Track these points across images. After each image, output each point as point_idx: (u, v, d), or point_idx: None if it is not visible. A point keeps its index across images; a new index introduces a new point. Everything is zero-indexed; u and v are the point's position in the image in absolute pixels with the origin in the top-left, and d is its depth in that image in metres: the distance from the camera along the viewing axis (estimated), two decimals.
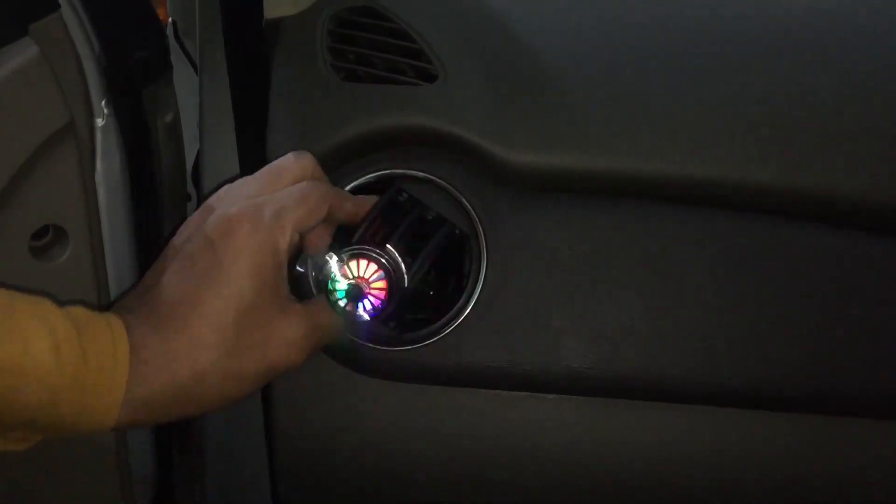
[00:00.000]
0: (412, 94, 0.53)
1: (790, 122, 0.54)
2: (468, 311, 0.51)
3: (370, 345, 0.51)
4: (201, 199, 0.69)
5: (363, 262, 0.48)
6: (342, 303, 0.48)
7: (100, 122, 0.58)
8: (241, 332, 0.39)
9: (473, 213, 0.51)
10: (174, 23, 0.81)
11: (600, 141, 0.52)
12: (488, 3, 0.61)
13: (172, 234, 0.44)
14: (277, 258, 0.40)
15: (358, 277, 0.48)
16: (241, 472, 0.59)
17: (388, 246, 0.48)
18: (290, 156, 0.45)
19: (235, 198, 0.42)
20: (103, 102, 0.57)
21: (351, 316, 0.48)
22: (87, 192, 0.55)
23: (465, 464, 0.52)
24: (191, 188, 0.80)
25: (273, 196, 0.42)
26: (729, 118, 0.54)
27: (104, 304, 0.61)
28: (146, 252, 0.63)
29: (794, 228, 0.53)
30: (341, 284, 0.48)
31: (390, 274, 0.48)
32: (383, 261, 0.48)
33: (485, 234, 0.51)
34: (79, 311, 0.37)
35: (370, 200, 0.49)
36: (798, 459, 0.52)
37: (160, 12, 0.78)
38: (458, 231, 0.51)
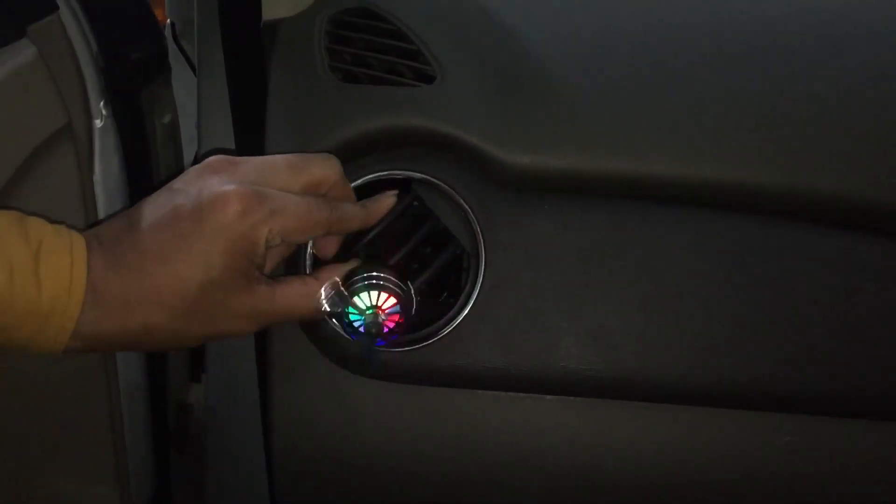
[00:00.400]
0: (410, 96, 0.53)
1: (785, 122, 0.54)
2: (466, 312, 0.51)
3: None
4: None
5: (382, 294, 0.48)
6: (360, 328, 0.48)
7: (98, 123, 0.58)
8: (198, 301, 0.40)
9: (471, 214, 0.51)
10: (172, 24, 0.81)
11: (598, 142, 0.52)
12: (485, 4, 0.61)
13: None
14: (254, 250, 0.41)
15: (375, 308, 0.48)
16: (238, 472, 0.59)
17: (405, 279, 0.48)
18: (319, 158, 0.45)
19: (249, 173, 0.42)
20: (101, 103, 0.58)
21: (370, 342, 0.48)
22: (85, 193, 0.55)
23: (463, 464, 0.52)
24: None
25: (278, 197, 0.41)
26: (725, 119, 0.54)
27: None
28: None
29: (790, 229, 0.53)
30: (358, 313, 0.48)
31: (402, 299, 0.48)
32: (398, 290, 0.48)
33: (482, 236, 0.51)
34: (45, 232, 0.38)
35: (379, 203, 0.49)
36: (795, 460, 0.52)
37: (158, 14, 0.78)
38: (463, 251, 0.52)
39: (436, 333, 0.51)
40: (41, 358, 0.60)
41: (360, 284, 0.47)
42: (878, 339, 0.52)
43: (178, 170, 0.70)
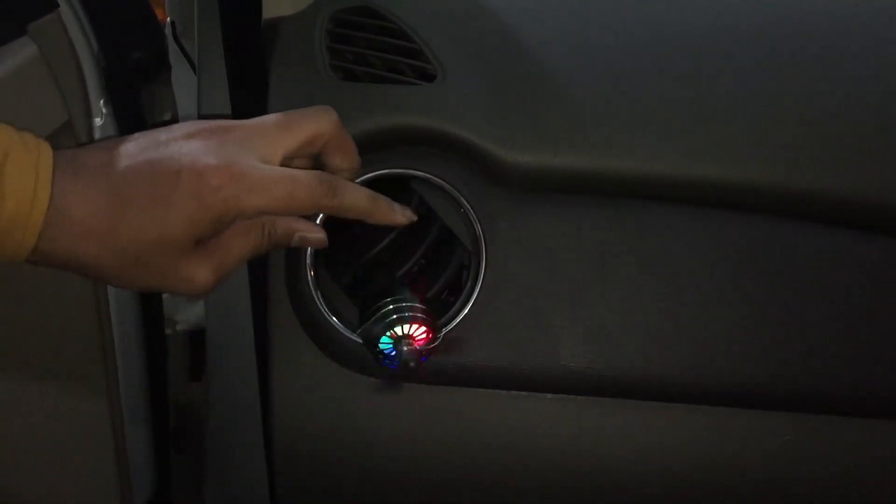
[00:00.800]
0: (410, 94, 0.53)
1: (785, 122, 0.54)
2: (467, 311, 0.51)
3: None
4: None
5: (403, 326, 0.48)
6: (391, 354, 0.49)
7: (98, 121, 0.58)
8: (152, 256, 0.40)
9: (472, 212, 0.51)
10: (172, 23, 0.81)
11: (598, 141, 0.52)
12: (486, 3, 0.61)
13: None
14: (220, 223, 0.41)
15: (407, 336, 0.48)
16: (238, 472, 0.59)
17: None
18: (311, 112, 0.44)
19: (237, 141, 0.41)
20: (102, 102, 0.58)
21: (405, 367, 0.49)
22: None
23: (464, 463, 0.52)
24: None
25: (259, 174, 0.41)
26: (725, 119, 0.54)
27: (102, 305, 0.61)
28: None
29: (790, 228, 0.53)
30: (392, 343, 0.48)
31: (428, 322, 0.48)
32: (425, 317, 0.48)
33: (483, 234, 0.51)
34: (11, 144, 0.38)
35: (392, 212, 0.47)
36: (794, 458, 0.52)
37: (159, 12, 0.78)
38: (467, 258, 0.52)
39: (439, 333, 0.50)
40: (41, 357, 0.60)
41: (390, 319, 0.47)
42: (875, 338, 0.52)
43: None
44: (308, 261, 0.51)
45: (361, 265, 0.49)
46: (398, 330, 0.47)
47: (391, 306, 0.47)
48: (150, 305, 0.68)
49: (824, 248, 0.53)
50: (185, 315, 0.74)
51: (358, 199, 0.45)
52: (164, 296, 0.73)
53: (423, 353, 0.48)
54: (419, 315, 0.47)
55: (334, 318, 0.51)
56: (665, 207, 0.53)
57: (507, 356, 0.50)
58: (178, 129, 0.42)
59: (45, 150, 0.39)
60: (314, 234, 0.45)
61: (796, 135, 0.54)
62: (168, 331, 0.73)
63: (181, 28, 0.81)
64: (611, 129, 0.53)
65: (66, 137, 0.55)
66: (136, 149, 0.41)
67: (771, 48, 0.60)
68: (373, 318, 0.48)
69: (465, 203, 0.51)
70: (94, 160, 0.40)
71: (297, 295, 0.52)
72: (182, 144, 0.40)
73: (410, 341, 0.48)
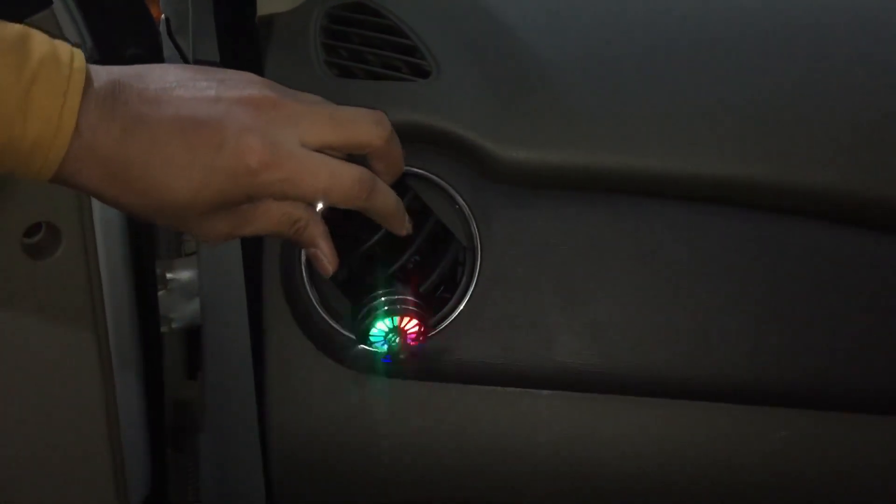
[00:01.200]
0: (406, 91, 0.53)
1: (780, 117, 0.54)
2: (462, 307, 0.51)
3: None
4: None
5: (405, 318, 0.48)
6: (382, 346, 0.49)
7: None
8: (175, 212, 0.39)
9: (467, 209, 0.51)
10: (167, 20, 0.81)
11: (593, 137, 0.52)
12: None
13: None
14: (247, 200, 0.40)
15: (398, 329, 0.48)
16: (235, 470, 0.59)
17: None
18: (366, 119, 0.43)
19: (286, 121, 0.40)
20: None
21: (396, 360, 0.49)
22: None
23: (460, 460, 0.52)
24: None
25: (300, 163, 0.40)
26: (719, 114, 0.54)
27: (97, 304, 0.61)
28: (139, 250, 0.63)
29: (785, 224, 0.53)
30: (380, 330, 0.48)
31: (421, 315, 0.48)
32: (417, 310, 0.48)
33: (478, 231, 0.51)
34: (44, 61, 0.36)
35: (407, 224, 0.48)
36: (791, 454, 0.53)
37: (153, 9, 0.78)
38: (462, 255, 0.52)
39: (432, 329, 0.50)
40: (36, 355, 0.60)
41: (381, 311, 0.47)
42: (871, 334, 0.52)
43: None
44: (303, 258, 0.51)
45: (355, 259, 0.49)
46: (389, 322, 0.47)
47: (382, 299, 0.47)
48: (145, 303, 0.68)
49: (820, 244, 0.53)
50: (181, 313, 0.74)
51: (387, 206, 0.45)
52: (160, 293, 0.72)
53: (415, 347, 0.48)
54: (410, 308, 0.47)
55: (329, 316, 0.51)
56: (661, 203, 0.53)
57: (503, 353, 0.50)
58: (232, 85, 0.40)
59: (78, 75, 0.36)
60: (328, 262, 0.45)
61: (792, 130, 0.54)
62: (164, 328, 0.73)
63: (176, 25, 0.80)
64: (606, 125, 0.53)
65: None
66: (184, 98, 0.39)
67: (766, 43, 0.60)
68: (364, 312, 0.47)
69: (461, 199, 0.51)
70: (135, 97, 0.38)
71: (291, 292, 0.52)
72: (232, 110, 0.39)
73: (402, 334, 0.47)
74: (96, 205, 0.57)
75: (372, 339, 0.48)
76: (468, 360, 0.51)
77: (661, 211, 0.53)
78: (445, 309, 0.51)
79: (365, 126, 0.43)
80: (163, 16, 0.81)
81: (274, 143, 0.39)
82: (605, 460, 0.52)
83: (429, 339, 0.50)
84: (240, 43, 0.58)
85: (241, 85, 0.40)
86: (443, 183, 0.51)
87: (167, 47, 0.77)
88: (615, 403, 0.52)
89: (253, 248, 0.56)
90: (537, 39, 0.57)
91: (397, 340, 0.48)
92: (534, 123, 0.52)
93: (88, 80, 0.37)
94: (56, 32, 0.55)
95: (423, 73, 0.54)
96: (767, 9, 0.64)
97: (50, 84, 0.36)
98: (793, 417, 0.52)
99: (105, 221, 0.59)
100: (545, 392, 0.52)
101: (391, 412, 0.52)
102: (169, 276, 0.73)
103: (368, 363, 0.51)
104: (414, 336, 0.48)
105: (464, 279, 0.51)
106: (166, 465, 0.74)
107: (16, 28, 0.36)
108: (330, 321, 0.51)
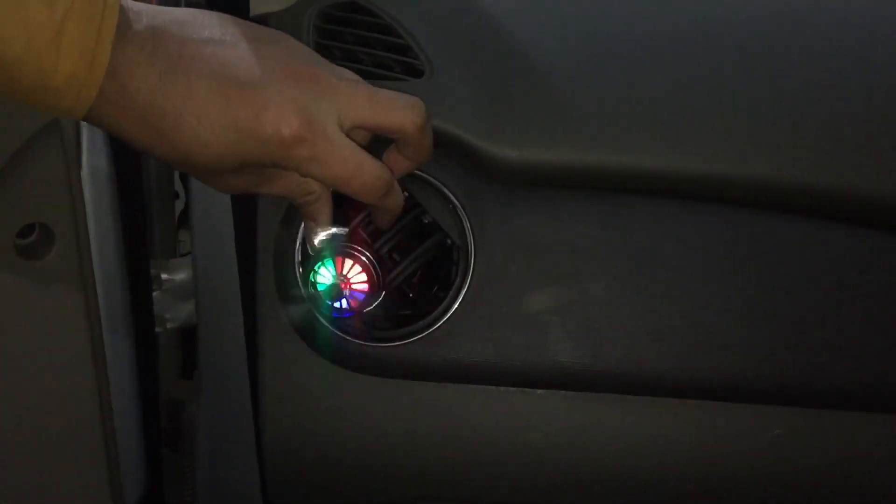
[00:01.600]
0: (399, 90, 0.53)
1: (774, 116, 0.54)
2: (456, 306, 0.51)
3: (358, 341, 0.51)
4: (189, 197, 0.68)
5: (347, 262, 0.48)
6: (324, 296, 0.49)
7: None
8: (197, 169, 0.40)
9: (461, 208, 0.51)
10: None
11: (587, 136, 0.52)
12: None
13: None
14: (272, 167, 0.41)
15: (342, 276, 0.48)
16: (230, 470, 0.59)
17: (373, 245, 0.49)
18: (402, 105, 0.43)
19: (325, 96, 0.40)
20: None
21: (331, 310, 0.49)
22: (72, 190, 0.54)
23: (454, 459, 0.52)
24: (178, 186, 0.79)
25: (330, 147, 0.40)
26: (714, 113, 0.54)
27: (91, 304, 0.60)
28: (133, 250, 0.63)
29: (779, 223, 0.53)
30: (323, 279, 0.49)
31: (372, 274, 0.48)
32: (365, 259, 0.48)
33: (472, 230, 0.51)
34: None
35: None
36: (785, 452, 0.53)
37: None
38: (449, 242, 0.52)
39: (426, 328, 0.51)
40: (30, 355, 0.60)
41: (326, 251, 0.48)
42: (864, 332, 0.52)
43: (168, 166, 0.69)
44: (297, 258, 0.51)
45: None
46: (329, 266, 0.47)
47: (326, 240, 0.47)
48: (140, 303, 0.68)
49: (813, 242, 0.53)
50: (176, 313, 0.74)
51: (396, 206, 0.46)
52: (155, 294, 0.72)
53: (363, 305, 0.48)
54: (355, 253, 0.47)
55: (322, 315, 0.51)
56: (655, 202, 0.53)
57: (496, 352, 0.51)
58: (278, 52, 0.40)
59: (112, 10, 0.35)
60: (315, 239, 0.46)
61: (786, 129, 0.54)
62: (158, 329, 0.73)
63: None
64: (600, 123, 0.53)
65: (53, 135, 0.55)
66: (228, 56, 0.39)
67: (760, 42, 0.60)
68: (312, 259, 0.48)
69: (454, 198, 0.51)
70: (176, 46, 0.38)
71: (285, 292, 0.52)
72: (275, 78, 0.39)
73: (346, 282, 0.48)
74: (90, 205, 0.57)
75: (319, 287, 0.48)
76: (462, 359, 0.51)
77: (656, 209, 0.53)
78: (439, 308, 0.51)
79: (402, 111, 0.43)
80: None
81: (311, 119, 0.39)
82: (599, 459, 0.52)
83: (423, 338, 0.50)
84: None
85: (286, 52, 0.40)
86: (435, 182, 0.52)
87: None
88: (609, 402, 0.52)
89: (247, 248, 0.56)
90: (531, 38, 0.57)
91: (338, 289, 0.48)
92: (527, 122, 0.52)
93: (126, 20, 0.36)
94: None
95: (417, 73, 0.54)
96: (764, 8, 0.64)
97: (83, 19, 0.35)
98: (786, 416, 0.52)
99: (99, 222, 0.59)
100: (539, 391, 0.52)
101: (385, 412, 0.52)
102: (164, 276, 0.73)
103: (363, 364, 0.51)
104: (361, 290, 0.48)
105: (457, 278, 0.51)
106: (162, 465, 0.74)
107: None
108: (325, 321, 0.51)
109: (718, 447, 0.53)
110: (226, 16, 0.41)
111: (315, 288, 0.49)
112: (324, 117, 0.40)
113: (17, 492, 0.61)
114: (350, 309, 0.49)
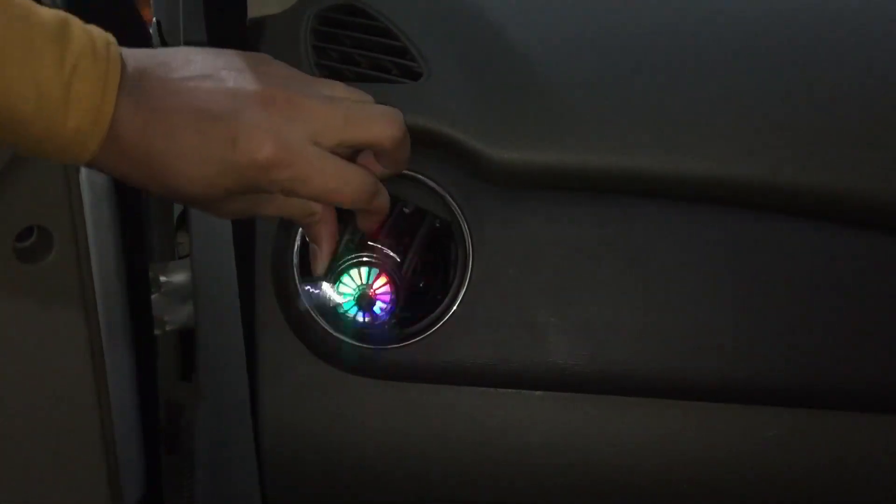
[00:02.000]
0: (396, 93, 0.53)
1: (771, 116, 0.55)
2: (454, 309, 0.51)
3: (357, 343, 0.51)
4: None
5: (362, 270, 0.49)
6: (359, 316, 0.50)
7: None
8: (194, 199, 0.41)
9: (458, 210, 0.52)
10: (158, 22, 0.81)
11: (584, 138, 0.52)
12: (472, 0, 0.61)
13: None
14: (260, 192, 0.42)
15: (365, 286, 0.49)
16: (229, 471, 0.59)
17: (375, 245, 0.49)
18: (381, 118, 0.43)
19: (301, 121, 0.41)
20: None
21: (372, 325, 0.50)
22: (71, 193, 0.55)
23: (452, 461, 0.52)
24: None
25: (310, 164, 0.40)
26: (711, 114, 0.54)
27: (90, 307, 0.60)
28: (132, 253, 0.63)
29: (775, 224, 0.53)
30: (347, 299, 0.49)
31: (389, 271, 0.48)
32: (378, 260, 0.48)
33: (470, 232, 0.51)
34: (83, 53, 0.36)
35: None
36: (782, 453, 0.53)
37: (145, 12, 0.78)
38: (438, 222, 0.52)
39: (424, 330, 0.51)
40: (28, 357, 0.60)
41: (348, 263, 0.49)
42: (860, 332, 0.52)
43: None
44: (294, 261, 0.51)
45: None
46: (356, 279, 0.48)
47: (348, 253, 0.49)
48: (138, 306, 0.68)
49: (809, 243, 0.53)
50: (174, 315, 0.74)
51: (384, 209, 0.46)
52: (154, 296, 0.72)
53: (387, 312, 0.49)
54: (366, 259, 0.48)
55: (321, 318, 0.51)
56: (652, 203, 0.53)
57: (495, 354, 0.51)
58: (252, 77, 0.41)
59: (114, 66, 0.37)
60: (320, 265, 0.47)
61: (782, 130, 0.54)
62: (157, 331, 0.73)
63: (168, 27, 0.80)
64: (597, 125, 0.53)
65: None
66: (203, 89, 0.40)
67: (757, 42, 0.60)
68: (336, 270, 0.49)
69: (452, 200, 0.52)
70: (158, 87, 0.39)
71: (284, 294, 0.52)
72: (248, 105, 0.40)
73: (370, 292, 0.49)
74: (88, 208, 0.57)
75: (343, 296, 0.49)
76: (460, 361, 0.51)
77: (652, 211, 0.53)
78: (438, 310, 0.51)
79: (378, 127, 0.43)
80: (154, 18, 0.81)
81: (286, 141, 0.40)
82: (597, 460, 0.52)
83: (421, 340, 0.50)
84: (231, 45, 0.57)
85: (262, 78, 0.41)
86: (433, 184, 0.52)
87: None
88: (607, 404, 0.52)
89: (246, 250, 0.57)
90: (528, 40, 0.57)
91: (368, 298, 0.48)
92: (524, 124, 0.52)
93: (123, 69, 0.38)
94: None
95: (414, 75, 0.54)
96: (761, 8, 0.64)
97: (89, 75, 0.36)
98: (782, 416, 0.53)
99: (97, 224, 0.58)
100: (537, 393, 0.52)
101: (384, 414, 0.52)
102: (162, 278, 0.73)
103: (362, 365, 0.51)
104: (385, 296, 0.49)
105: (455, 280, 0.51)
106: (160, 468, 0.74)
107: (53, 14, 0.36)
108: (322, 323, 0.51)
109: (716, 448, 0.53)
110: (209, 50, 0.42)
111: (339, 307, 0.50)
112: (298, 137, 0.40)
113: (17, 494, 0.61)
114: (380, 316, 0.50)
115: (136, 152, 0.39)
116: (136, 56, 0.39)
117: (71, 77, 0.36)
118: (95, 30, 0.38)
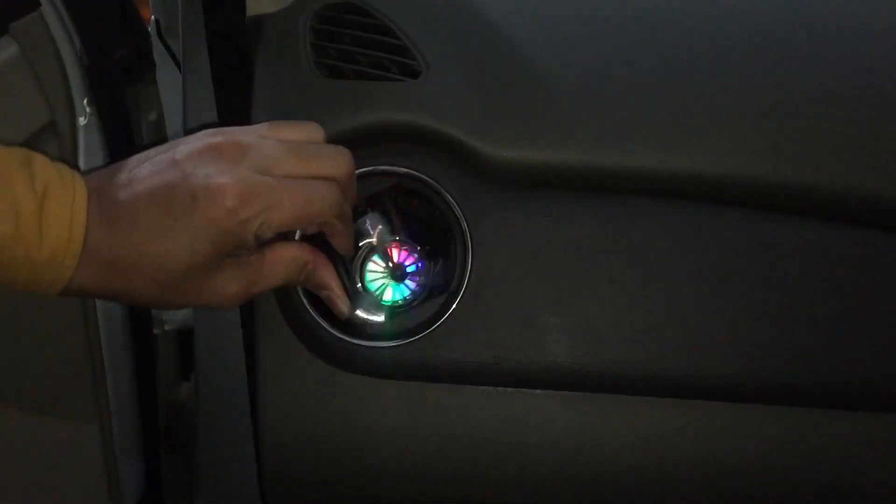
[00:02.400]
0: (396, 91, 0.53)
1: (772, 115, 0.55)
2: (453, 307, 0.51)
3: (357, 342, 0.51)
4: None
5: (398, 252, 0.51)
6: (398, 291, 0.52)
7: (82, 120, 0.57)
8: (182, 279, 0.40)
9: (458, 209, 0.51)
10: (157, 21, 0.81)
11: (584, 136, 0.52)
12: None
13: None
14: (242, 243, 0.41)
15: (391, 264, 0.51)
16: (229, 472, 0.59)
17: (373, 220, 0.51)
18: (330, 155, 0.44)
19: (252, 161, 0.41)
20: (85, 101, 0.57)
21: (415, 292, 0.52)
22: None
23: (452, 460, 0.52)
24: None
25: (276, 191, 0.40)
26: (711, 112, 0.54)
27: (89, 306, 0.60)
28: None
29: (775, 222, 0.53)
30: (381, 279, 0.51)
31: (402, 242, 0.51)
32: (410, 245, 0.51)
33: (469, 231, 0.51)
34: (50, 177, 0.38)
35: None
36: (782, 451, 0.53)
37: (143, 11, 0.78)
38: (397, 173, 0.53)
39: (423, 329, 0.51)
40: (28, 358, 0.60)
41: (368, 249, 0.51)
42: (860, 331, 0.52)
43: None
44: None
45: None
46: (381, 262, 0.51)
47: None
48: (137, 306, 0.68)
49: (810, 242, 0.53)
50: (174, 315, 0.74)
51: (350, 219, 0.46)
52: None
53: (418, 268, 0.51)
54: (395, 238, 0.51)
55: (319, 317, 0.51)
56: (651, 202, 0.53)
57: (494, 352, 0.51)
58: (193, 143, 0.41)
59: (80, 188, 0.39)
60: (342, 303, 0.48)
61: (782, 128, 0.54)
62: (156, 330, 0.73)
63: (166, 26, 0.80)
64: (596, 123, 0.53)
65: (50, 137, 0.55)
66: (150, 171, 0.40)
67: (758, 41, 0.60)
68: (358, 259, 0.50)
69: (451, 199, 0.52)
70: (114, 190, 0.40)
71: (283, 294, 0.52)
72: (193, 164, 0.40)
73: (398, 266, 0.51)
74: None
75: (369, 283, 0.51)
76: (460, 360, 0.51)
77: (652, 210, 0.53)
78: (437, 310, 0.51)
79: (328, 163, 0.43)
80: (153, 17, 0.81)
81: (244, 178, 0.40)
82: (597, 459, 0.52)
83: (421, 339, 0.50)
84: (229, 43, 0.57)
85: (196, 140, 0.41)
86: (433, 182, 0.52)
87: (158, 49, 0.77)
88: (607, 402, 0.52)
89: None
90: (527, 38, 0.57)
91: (401, 269, 0.51)
92: (524, 122, 0.52)
93: (85, 188, 0.39)
94: (44, 34, 0.55)
95: (413, 73, 0.54)
96: (762, 6, 0.64)
97: (59, 194, 0.38)
98: (782, 415, 0.52)
99: None
100: (537, 391, 0.52)
101: (384, 413, 0.52)
102: None
103: (360, 365, 0.51)
104: (412, 264, 0.51)
105: (455, 279, 0.51)
106: (160, 467, 0.74)
107: (15, 147, 0.39)
108: (322, 323, 0.51)
109: (717, 447, 0.52)
110: (161, 146, 0.42)
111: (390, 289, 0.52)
112: (253, 172, 0.40)
113: (16, 494, 0.61)
114: (417, 282, 0.52)
115: (109, 259, 0.39)
116: (94, 175, 0.41)
117: (43, 197, 0.37)
118: (56, 162, 0.40)
